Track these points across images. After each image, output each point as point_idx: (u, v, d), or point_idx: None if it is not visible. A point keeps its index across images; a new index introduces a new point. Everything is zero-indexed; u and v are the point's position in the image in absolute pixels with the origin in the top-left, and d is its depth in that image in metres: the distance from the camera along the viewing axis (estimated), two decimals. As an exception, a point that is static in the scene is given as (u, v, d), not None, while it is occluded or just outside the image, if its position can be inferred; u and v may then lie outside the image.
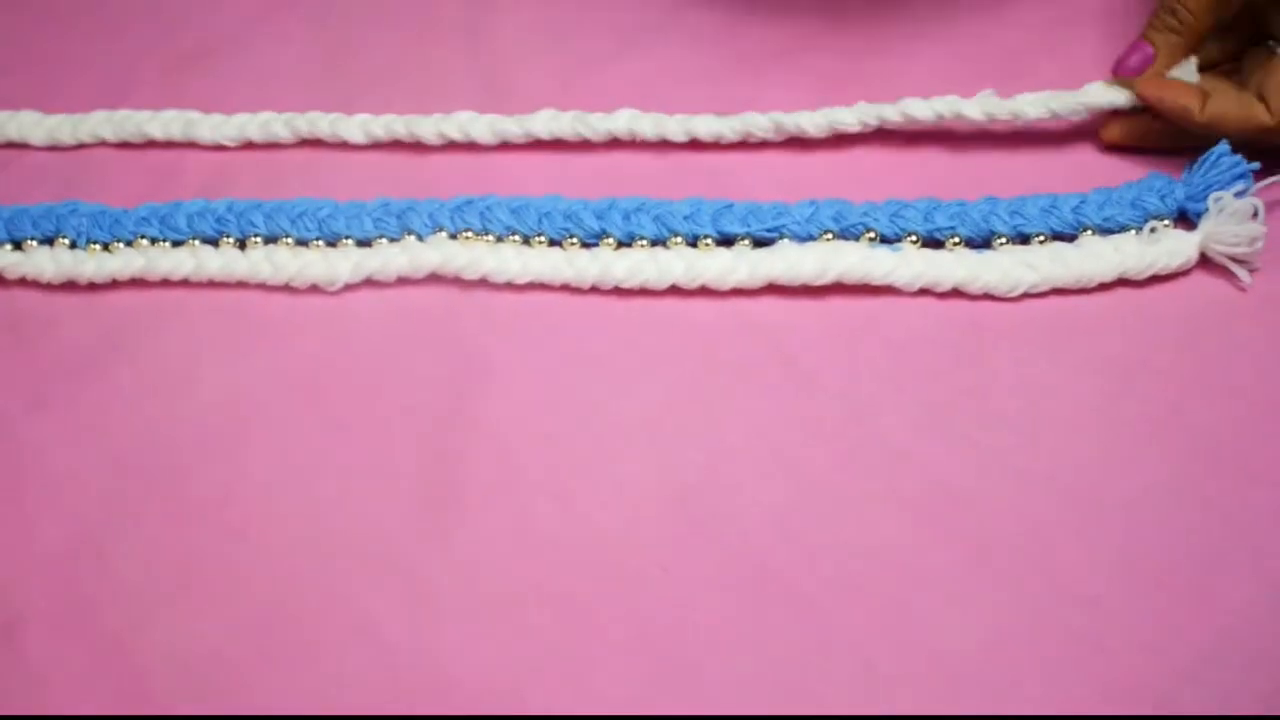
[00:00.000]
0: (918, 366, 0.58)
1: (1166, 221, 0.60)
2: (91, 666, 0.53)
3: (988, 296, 0.59)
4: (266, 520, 0.56)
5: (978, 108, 0.63)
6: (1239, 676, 0.49)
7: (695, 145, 0.66)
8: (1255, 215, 0.58)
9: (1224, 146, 0.59)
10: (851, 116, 0.64)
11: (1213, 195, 0.58)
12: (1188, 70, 0.61)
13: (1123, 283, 0.59)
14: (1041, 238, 0.60)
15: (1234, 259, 0.58)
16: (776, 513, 0.55)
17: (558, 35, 0.73)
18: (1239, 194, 0.58)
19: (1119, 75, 0.62)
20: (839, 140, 0.65)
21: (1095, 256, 0.59)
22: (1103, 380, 0.56)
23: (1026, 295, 0.59)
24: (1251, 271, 0.58)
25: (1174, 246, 0.59)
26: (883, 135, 0.65)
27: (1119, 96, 0.62)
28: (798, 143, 0.65)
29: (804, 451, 0.56)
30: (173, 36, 0.75)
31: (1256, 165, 0.59)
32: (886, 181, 0.63)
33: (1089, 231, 0.60)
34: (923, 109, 0.63)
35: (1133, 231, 0.60)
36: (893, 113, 0.63)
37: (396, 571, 0.54)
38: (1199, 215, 0.59)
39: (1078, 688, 0.50)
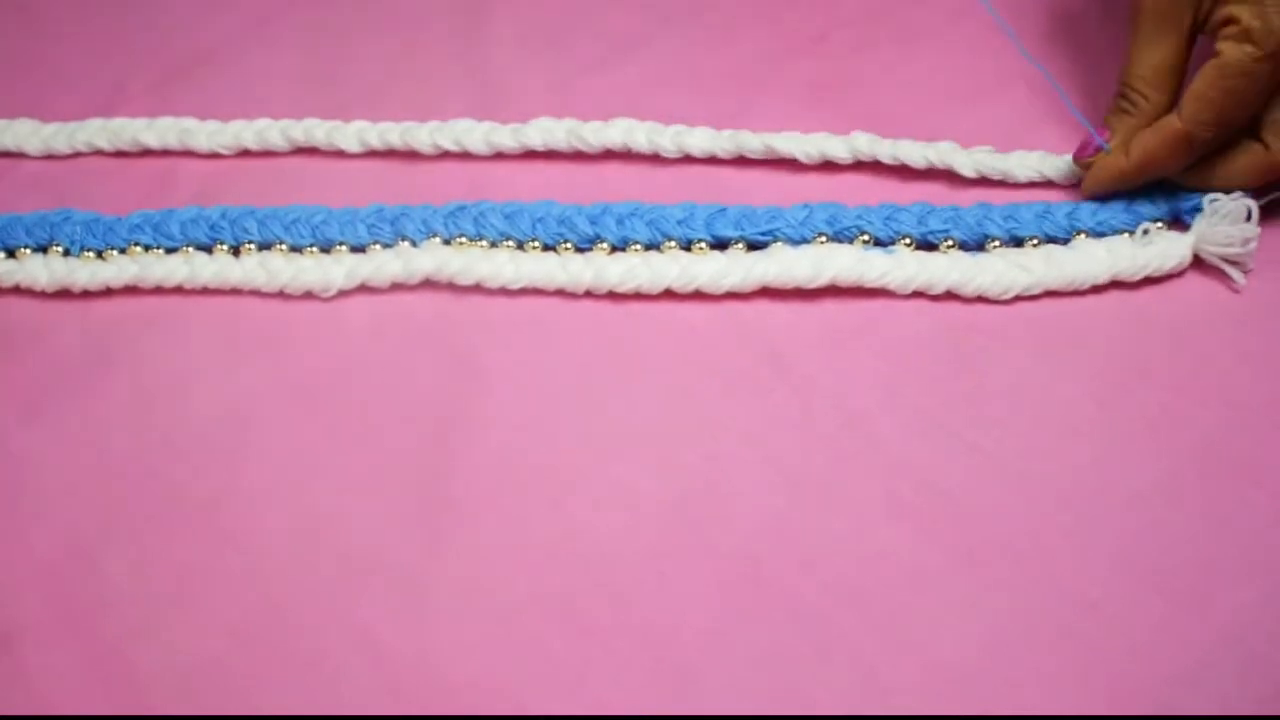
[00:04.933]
0: (912, 370, 0.58)
1: (1159, 224, 0.60)
2: (89, 676, 0.53)
3: (981, 299, 0.59)
4: (262, 527, 0.56)
5: (969, 163, 0.63)
6: (1237, 678, 0.49)
7: (689, 158, 0.66)
8: (1249, 216, 0.58)
9: None
10: (844, 149, 0.64)
11: (1206, 197, 0.58)
12: None
13: (1116, 285, 0.59)
14: (1035, 240, 0.60)
15: (1228, 260, 0.58)
16: (772, 516, 0.54)
17: (553, 43, 0.73)
18: (1232, 195, 0.58)
19: (1079, 161, 0.61)
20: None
21: (1088, 258, 0.59)
22: (1097, 383, 0.56)
23: (1020, 297, 0.59)
24: (1245, 272, 0.58)
25: (1167, 248, 0.58)
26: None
27: None
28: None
29: (799, 455, 0.56)
30: (167, 45, 0.75)
31: None
32: (879, 194, 0.63)
33: (1082, 234, 0.60)
34: (915, 156, 0.63)
35: (1126, 234, 0.59)
36: (885, 154, 0.64)
37: (393, 577, 0.54)
38: (1192, 217, 0.59)
39: (1076, 691, 0.49)
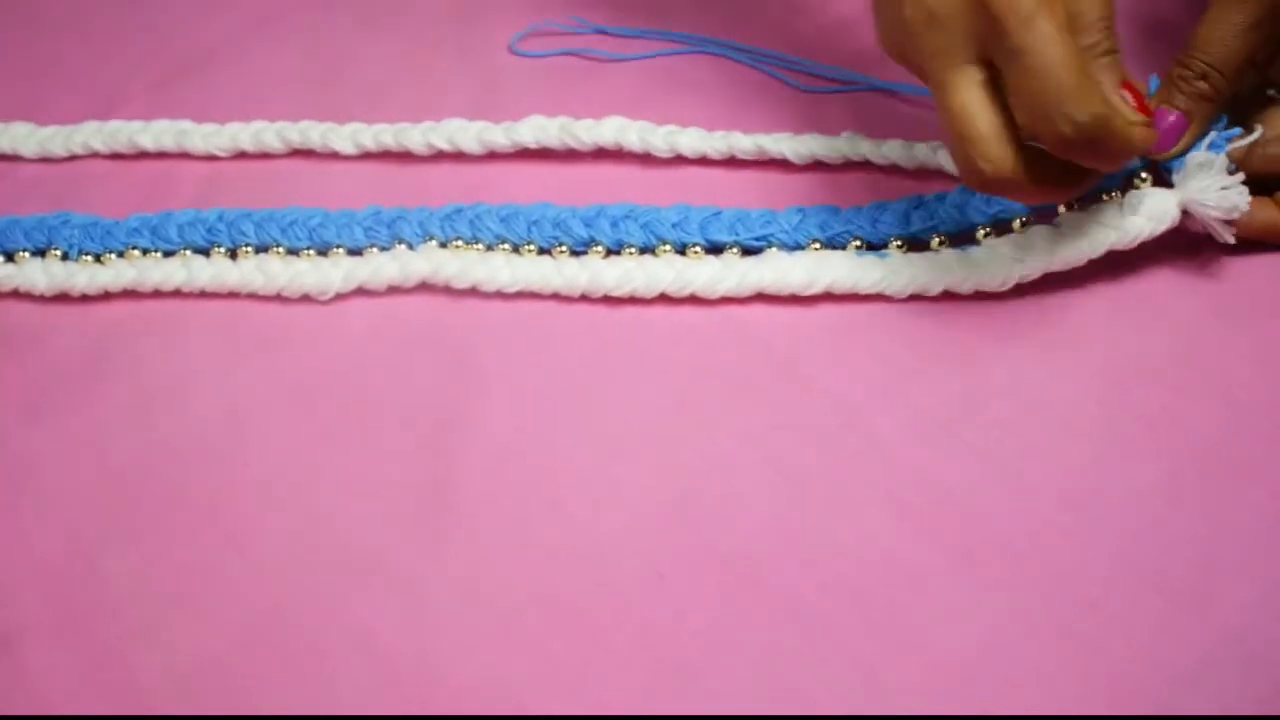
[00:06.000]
0: (910, 370, 0.58)
1: (1144, 175, 0.58)
2: (89, 676, 0.53)
3: (979, 295, 0.59)
4: (261, 529, 0.56)
5: None
6: (1237, 678, 0.49)
7: (682, 158, 0.66)
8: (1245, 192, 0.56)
9: None
10: (834, 149, 0.64)
11: (1189, 155, 0.57)
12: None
13: (1111, 281, 0.59)
14: (1021, 220, 0.59)
15: (1219, 219, 0.57)
16: (772, 517, 0.54)
17: (550, 44, 0.73)
18: (1213, 147, 0.57)
19: (1156, 155, 0.57)
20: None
21: (1078, 234, 0.58)
22: (1096, 382, 0.56)
23: (1019, 286, 0.58)
24: (1232, 230, 0.57)
25: (1155, 210, 0.57)
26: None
27: None
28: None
29: (798, 456, 0.56)
30: (164, 48, 0.76)
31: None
32: (871, 192, 0.64)
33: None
34: (904, 156, 0.63)
35: (1114, 192, 0.58)
36: (874, 153, 0.64)
37: (392, 579, 0.54)
38: (1172, 165, 0.57)
39: (1076, 690, 0.49)
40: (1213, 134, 0.57)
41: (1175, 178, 0.57)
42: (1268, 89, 0.59)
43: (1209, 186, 0.56)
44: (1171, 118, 0.57)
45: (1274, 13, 0.55)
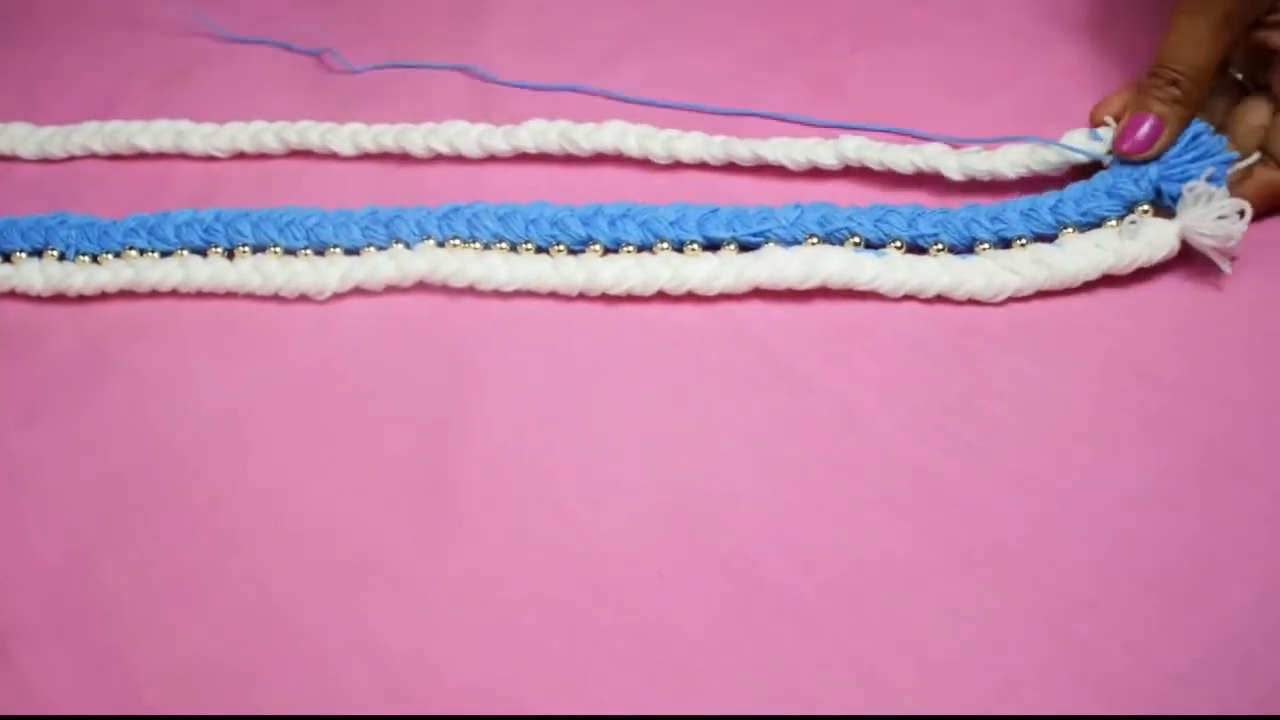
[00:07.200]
0: (908, 370, 0.58)
1: (1145, 207, 0.59)
2: (86, 678, 0.53)
3: (973, 301, 0.59)
4: (260, 530, 0.56)
5: (956, 166, 0.63)
6: (1235, 678, 0.49)
7: (681, 164, 0.66)
8: (1241, 215, 0.57)
9: (1200, 125, 0.59)
10: (832, 155, 0.64)
11: (1186, 185, 0.57)
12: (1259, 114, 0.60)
13: (1110, 283, 0.59)
14: (1023, 240, 0.60)
15: (1216, 249, 0.57)
16: (770, 518, 0.54)
17: (549, 44, 0.73)
18: (1212, 179, 0.57)
19: (1130, 154, 0.59)
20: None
21: (1077, 254, 0.58)
22: (1093, 382, 0.56)
23: (1013, 298, 0.59)
24: (1231, 260, 0.57)
25: (1154, 238, 0.58)
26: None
27: (1098, 147, 0.61)
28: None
29: (796, 456, 0.56)
30: (163, 49, 0.76)
31: (1226, 148, 0.59)
32: (869, 199, 0.63)
33: (1069, 229, 0.59)
34: (902, 161, 0.63)
35: (1113, 222, 0.59)
36: (872, 160, 0.64)
37: (391, 579, 0.54)
38: (1176, 195, 0.58)
39: (1074, 690, 0.49)
40: (1212, 168, 0.58)
41: (1177, 209, 0.58)
42: (1235, 73, 0.61)
43: (1205, 215, 0.57)
44: (1148, 123, 0.59)
45: (1230, 17, 0.57)
